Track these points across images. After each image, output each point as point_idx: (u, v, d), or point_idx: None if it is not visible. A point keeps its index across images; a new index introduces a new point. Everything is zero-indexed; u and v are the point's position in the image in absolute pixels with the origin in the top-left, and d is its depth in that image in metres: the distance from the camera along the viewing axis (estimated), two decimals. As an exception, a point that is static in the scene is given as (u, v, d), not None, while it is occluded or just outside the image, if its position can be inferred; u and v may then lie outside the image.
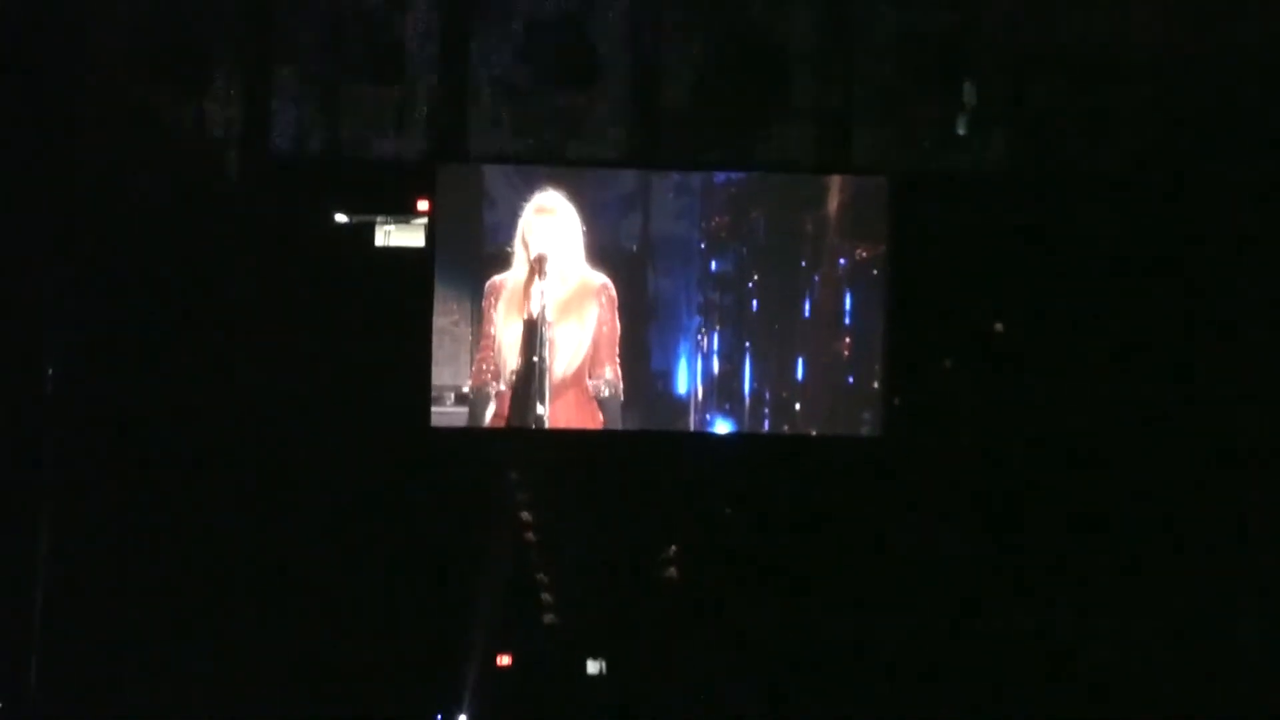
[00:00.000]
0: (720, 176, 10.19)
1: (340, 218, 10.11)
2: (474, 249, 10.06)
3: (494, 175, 10.07)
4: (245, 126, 10.15)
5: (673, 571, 10.02)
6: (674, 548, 10.04)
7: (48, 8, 9.94)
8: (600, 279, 10.09)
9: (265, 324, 9.96)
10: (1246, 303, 10.03)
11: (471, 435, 9.98)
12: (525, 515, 10.01)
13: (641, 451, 10.07)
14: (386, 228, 10.14)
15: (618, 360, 10.08)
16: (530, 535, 10.01)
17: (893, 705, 9.76)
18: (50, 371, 9.80)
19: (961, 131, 10.26)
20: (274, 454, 9.89)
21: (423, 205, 10.03)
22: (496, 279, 10.05)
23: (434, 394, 9.97)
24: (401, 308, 9.97)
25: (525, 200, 10.03)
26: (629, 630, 9.91)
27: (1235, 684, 9.72)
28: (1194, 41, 10.16)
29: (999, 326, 10.19)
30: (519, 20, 10.18)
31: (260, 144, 10.15)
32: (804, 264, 10.18)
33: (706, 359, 10.16)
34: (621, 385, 10.07)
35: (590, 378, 10.06)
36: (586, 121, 10.22)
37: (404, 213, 10.11)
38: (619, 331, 10.08)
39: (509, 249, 10.04)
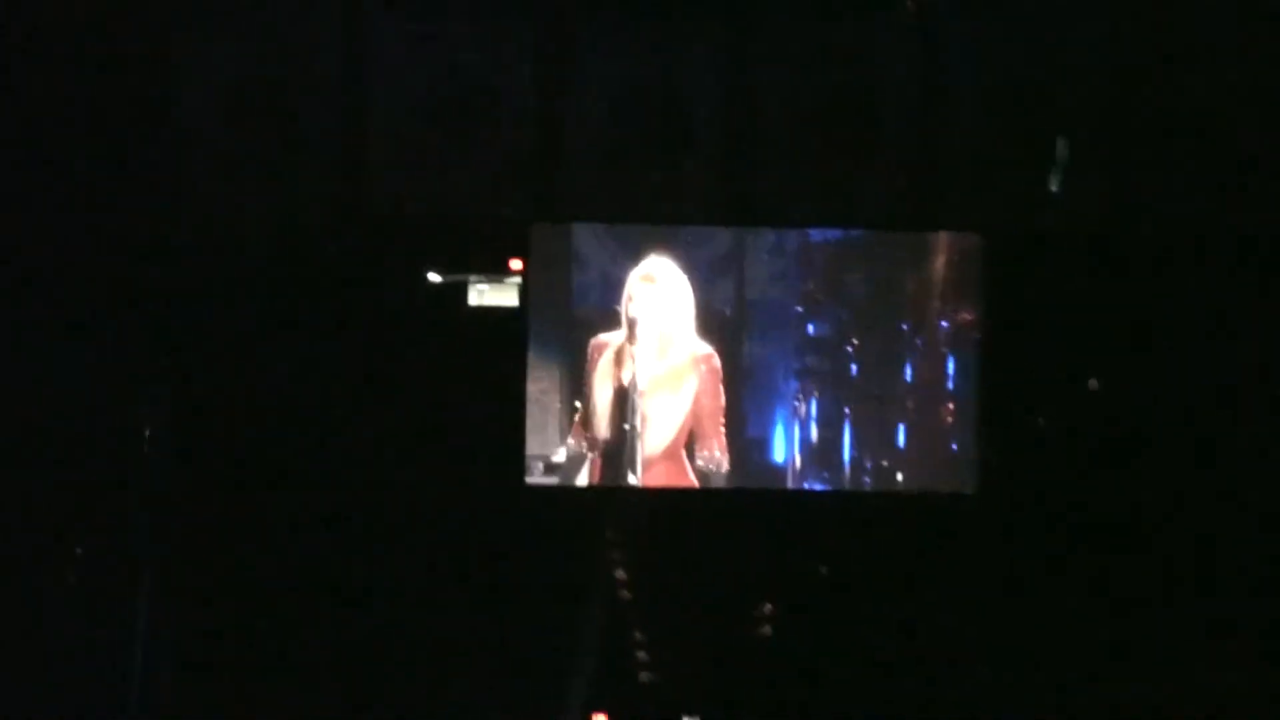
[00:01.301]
0: (817, 236, 10.10)
1: (434, 276, 10.15)
2: (563, 312, 10.01)
3: (584, 236, 10.02)
4: (341, 184, 10.18)
5: (767, 629, 10.02)
6: (769, 606, 10.03)
7: (144, 61, 10.03)
8: (704, 349, 9.97)
9: (358, 381, 10.02)
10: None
11: (566, 493, 9.98)
12: (620, 573, 10.02)
13: (735, 509, 10.05)
14: (480, 287, 10.16)
15: (723, 433, 9.97)
16: (625, 593, 10.02)
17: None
18: (148, 433, 9.86)
19: (1055, 188, 10.21)
20: (369, 513, 9.94)
21: (516, 265, 10.04)
22: (601, 338, 9.97)
23: (531, 464, 9.95)
24: (495, 367, 9.98)
25: (619, 264, 9.98)
26: (724, 688, 9.90)
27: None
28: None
29: (1094, 384, 10.14)
30: (615, 80, 10.18)
31: (355, 202, 10.18)
32: (905, 327, 10.07)
33: (804, 426, 10.06)
34: (726, 460, 9.97)
35: (696, 452, 9.95)
36: (680, 181, 10.21)
37: (498, 272, 10.13)
38: (723, 404, 9.97)
39: (613, 309, 9.96)
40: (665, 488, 9.98)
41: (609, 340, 9.98)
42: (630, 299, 9.97)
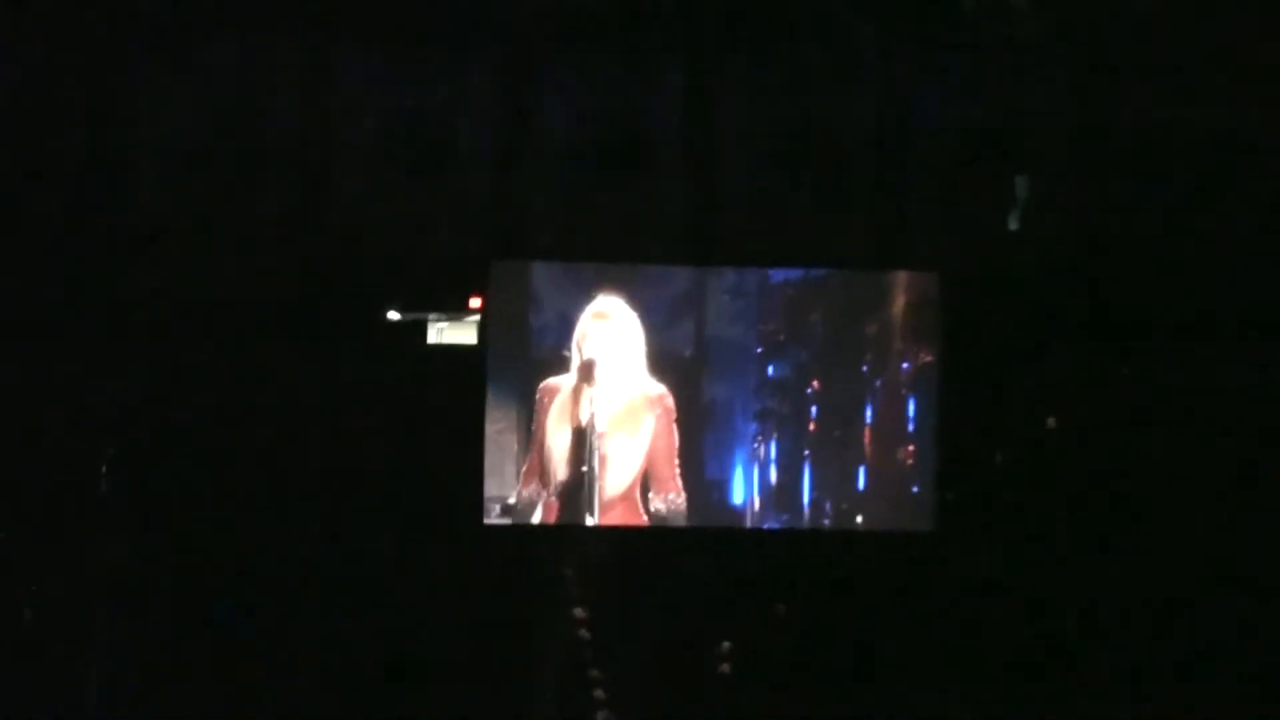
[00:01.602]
0: (778, 276, 10.06)
1: (393, 314, 10.12)
2: (522, 351, 9.93)
3: (541, 275, 9.93)
4: (299, 220, 10.15)
5: (725, 668, 10.00)
6: (726, 644, 10.01)
7: (100, 102, 10.00)
8: (658, 389, 9.92)
9: (315, 418, 9.99)
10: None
11: (521, 531, 9.96)
12: (577, 612, 10.00)
13: (691, 548, 10.03)
14: (439, 325, 10.14)
15: (678, 475, 9.92)
16: (581, 632, 9.99)
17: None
18: (104, 469, 9.82)
19: (1014, 226, 10.24)
20: (323, 551, 9.88)
21: (475, 303, 10.02)
22: (550, 382, 9.90)
23: (489, 505, 9.87)
24: (454, 406, 9.95)
25: (577, 303, 9.91)
26: (681, 725, 9.91)
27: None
28: (1252, 128, 10.16)
29: (1052, 422, 10.16)
30: (574, 117, 10.18)
31: (314, 238, 10.15)
32: (865, 369, 10.05)
33: (764, 468, 10.01)
34: (684, 501, 9.92)
35: (651, 495, 9.90)
36: (640, 218, 10.20)
37: (457, 310, 10.11)
38: (678, 445, 9.93)
39: (565, 353, 9.88)
40: (622, 526, 9.95)
41: (559, 383, 9.90)
42: (584, 337, 9.89)
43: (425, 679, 9.75)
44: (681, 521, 9.95)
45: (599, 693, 9.91)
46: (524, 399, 9.92)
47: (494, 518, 9.89)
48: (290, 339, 9.99)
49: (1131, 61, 10.14)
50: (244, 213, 10.10)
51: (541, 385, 9.93)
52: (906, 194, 10.30)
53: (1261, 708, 9.73)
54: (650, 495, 9.94)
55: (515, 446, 9.91)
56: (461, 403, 9.89)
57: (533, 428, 9.89)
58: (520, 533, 9.93)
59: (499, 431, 9.90)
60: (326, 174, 10.15)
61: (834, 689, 9.85)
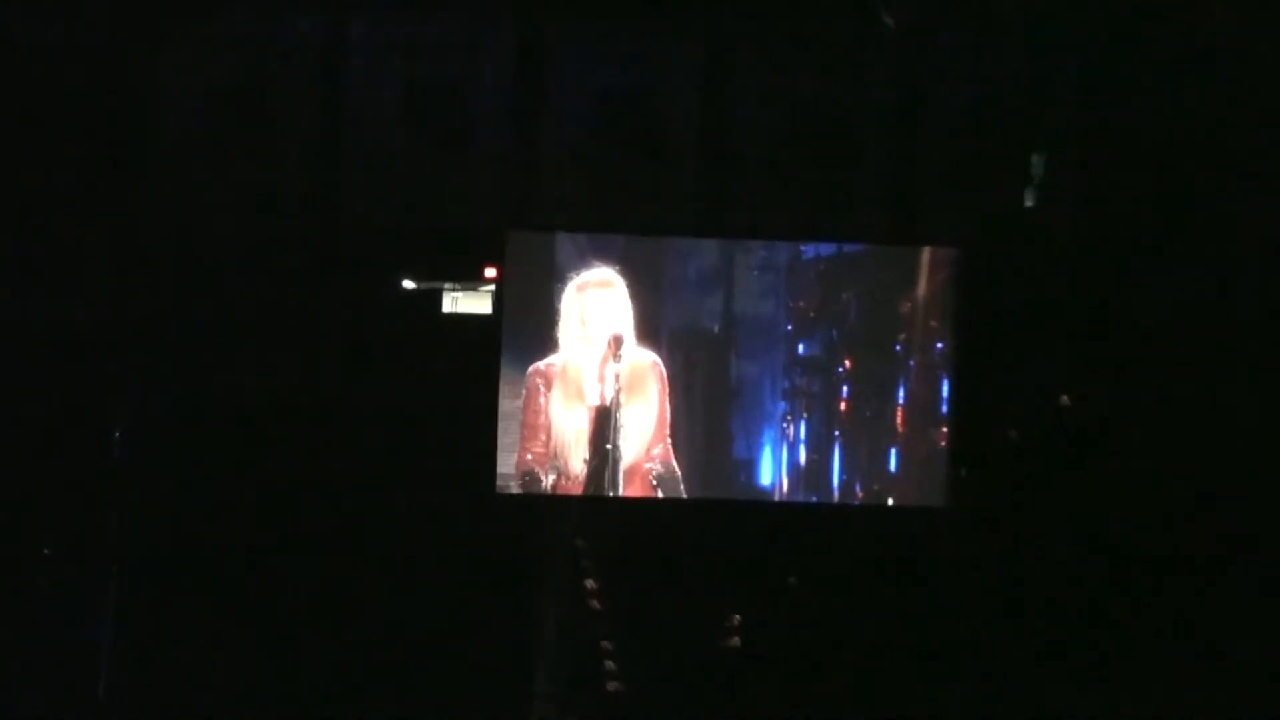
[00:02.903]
0: (809, 252, 9.83)
1: (408, 283, 10.15)
2: (545, 323, 9.72)
3: (565, 247, 9.73)
4: (316, 190, 10.20)
5: (736, 640, 9.98)
6: (737, 617, 9.99)
7: (122, 66, 10.07)
8: (650, 356, 9.74)
9: (333, 386, 10.02)
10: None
11: (535, 501, 9.94)
12: (590, 582, 9.99)
13: (707, 520, 10.01)
14: (454, 294, 10.15)
15: (668, 439, 9.76)
16: (594, 603, 9.98)
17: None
18: (117, 435, 9.85)
19: (1030, 204, 10.24)
20: (340, 517, 9.91)
21: (490, 273, 10.03)
22: (546, 362, 9.69)
23: (499, 482, 9.74)
24: (468, 375, 9.95)
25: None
26: (692, 698, 9.85)
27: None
28: (1258, 115, 10.18)
29: (1065, 399, 10.14)
30: (592, 91, 10.22)
31: (331, 208, 10.19)
32: (899, 349, 9.83)
33: (793, 448, 9.81)
34: (678, 467, 9.76)
35: (651, 460, 9.79)
36: (656, 192, 10.23)
37: (473, 280, 10.13)
38: (669, 412, 9.75)
39: (557, 328, 9.68)
40: (634, 497, 9.90)
41: (559, 361, 9.73)
42: (587, 309, 9.70)
43: (429, 647, 9.75)
44: (677, 480, 9.82)
45: (608, 663, 9.90)
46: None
47: (514, 487, 9.77)
48: (307, 307, 10.06)
49: (1150, 38, 10.14)
50: (262, 182, 10.17)
51: (531, 368, 9.70)
52: (925, 169, 10.30)
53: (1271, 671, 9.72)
54: (650, 461, 9.82)
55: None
56: (476, 372, 9.91)
57: (524, 409, 9.69)
58: (532, 502, 9.93)
59: (519, 407, 9.75)
60: (342, 143, 10.21)
61: (844, 661, 9.86)
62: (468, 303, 10.17)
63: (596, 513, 9.98)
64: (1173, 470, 9.94)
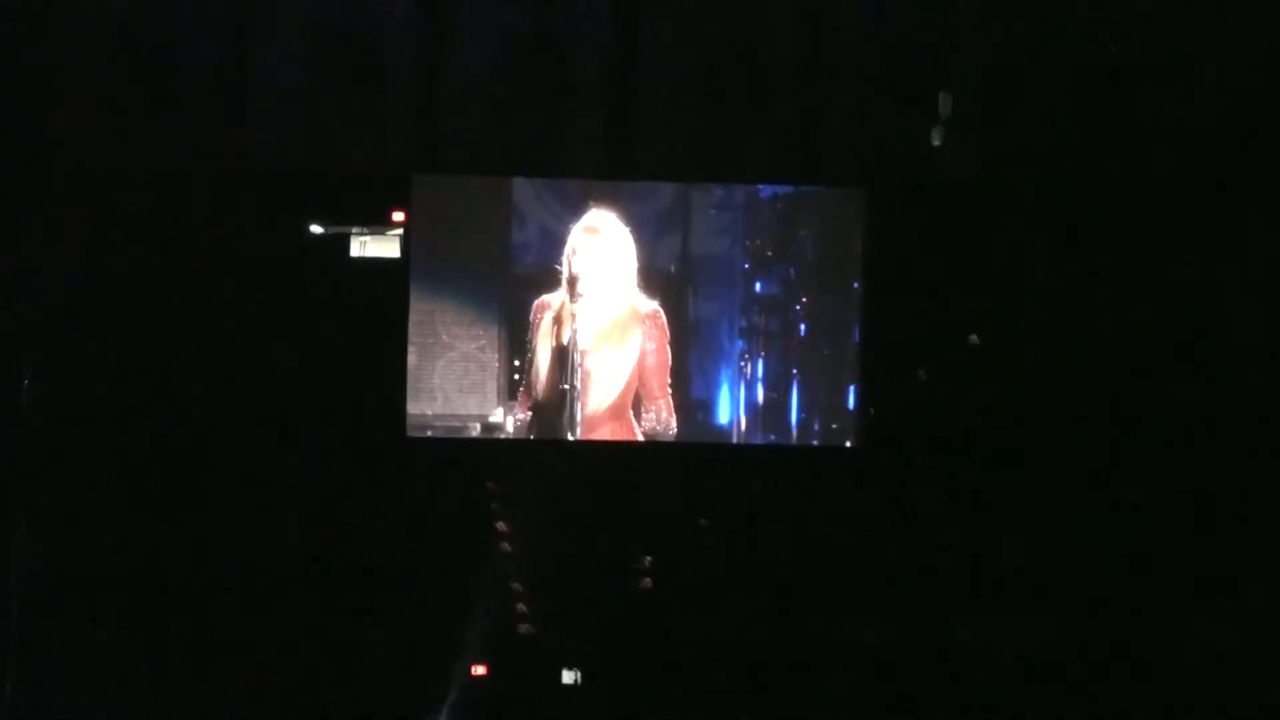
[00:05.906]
0: (766, 191, 9.84)
1: (316, 228, 10.10)
2: (502, 269, 9.75)
3: (523, 191, 9.76)
4: (222, 136, 10.13)
5: (648, 582, 10.03)
6: (649, 558, 10.03)
7: (26, 11, 9.98)
8: (650, 305, 9.73)
9: (240, 331, 9.98)
10: (1239, 310, 10.12)
11: (447, 444, 9.96)
12: (501, 525, 10.02)
13: (618, 462, 10.02)
14: (362, 238, 10.12)
15: (669, 393, 9.75)
16: (506, 545, 10.01)
17: (872, 711, 9.76)
18: (26, 382, 9.81)
19: (937, 142, 10.24)
20: (250, 463, 9.89)
21: (398, 216, 10.00)
22: (545, 298, 9.75)
23: (459, 424, 9.74)
24: (377, 317, 9.94)
25: (560, 219, 9.74)
26: (604, 640, 9.90)
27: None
28: (1166, 49, 10.20)
29: (974, 338, 10.18)
30: (497, 35, 10.18)
31: (236, 154, 10.13)
32: (856, 285, 9.90)
33: (750, 387, 9.83)
34: (674, 421, 9.77)
35: (643, 411, 9.77)
36: (559, 134, 10.21)
37: (380, 224, 10.09)
38: (669, 362, 9.75)
39: (556, 266, 9.69)
40: (541, 439, 9.91)
41: (550, 300, 9.76)
42: (573, 253, 9.71)
43: (348, 590, 9.78)
44: (671, 438, 9.84)
45: (521, 606, 9.94)
46: (506, 315, 9.79)
47: (475, 434, 9.80)
48: (213, 252, 10.00)
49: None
50: (167, 128, 10.10)
51: (536, 302, 9.76)
52: (830, 109, 10.30)
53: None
54: (642, 412, 9.82)
55: (496, 364, 9.77)
56: (385, 312, 9.90)
57: (527, 345, 9.78)
58: (445, 446, 9.94)
59: (479, 348, 9.77)
60: (247, 87, 10.14)
61: (754, 601, 9.91)
62: (376, 246, 10.12)
63: (513, 457, 10.00)
64: (1085, 405, 10.03)
